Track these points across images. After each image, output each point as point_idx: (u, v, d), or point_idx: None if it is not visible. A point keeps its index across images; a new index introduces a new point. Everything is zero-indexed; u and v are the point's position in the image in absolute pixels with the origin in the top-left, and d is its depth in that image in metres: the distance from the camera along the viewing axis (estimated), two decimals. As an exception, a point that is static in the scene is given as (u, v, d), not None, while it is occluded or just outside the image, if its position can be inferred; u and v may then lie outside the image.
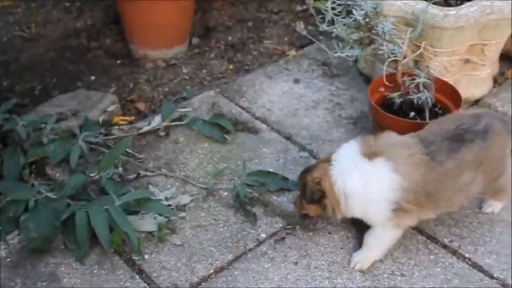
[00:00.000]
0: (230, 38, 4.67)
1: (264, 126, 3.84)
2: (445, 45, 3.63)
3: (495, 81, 4.17)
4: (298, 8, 4.98)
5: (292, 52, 4.52)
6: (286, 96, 4.09)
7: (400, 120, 3.32)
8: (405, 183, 2.80)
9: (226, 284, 2.94)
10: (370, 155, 2.84)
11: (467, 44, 3.72)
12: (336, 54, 3.49)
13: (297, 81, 4.22)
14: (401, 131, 3.02)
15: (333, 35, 3.60)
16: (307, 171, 3.01)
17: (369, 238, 3.00)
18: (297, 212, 3.19)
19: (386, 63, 3.45)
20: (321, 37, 4.61)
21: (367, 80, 4.08)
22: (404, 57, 3.45)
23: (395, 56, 3.43)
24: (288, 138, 3.76)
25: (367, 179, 2.83)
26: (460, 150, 2.85)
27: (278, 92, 4.12)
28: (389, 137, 2.94)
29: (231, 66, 4.38)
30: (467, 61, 3.85)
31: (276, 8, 4.99)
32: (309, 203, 2.99)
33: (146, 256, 3.05)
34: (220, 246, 3.11)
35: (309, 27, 4.74)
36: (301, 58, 4.46)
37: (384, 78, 3.50)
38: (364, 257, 3.01)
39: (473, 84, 3.95)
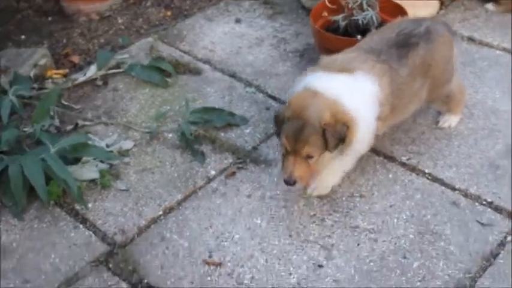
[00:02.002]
0: (167, -15, 4.45)
1: (206, 66, 3.65)
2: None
3: (442, 3, 4.05)
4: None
5: (232, -6, 4.33)
6: (228, 36, 3.91)
7: (348, 39, 3.17)
8: (381, 94, 2.64)
9: (176, 223, 2.76)
10: (345, 70, 2.62)
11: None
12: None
13: (238, 21, 4.03)
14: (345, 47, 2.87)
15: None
16: (299, 124, 2.50)
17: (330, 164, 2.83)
18: (303, 183, 2.64)
19: (327, -16, 3.29)
20: (260, -23, 4.45)
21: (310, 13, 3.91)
22: (344, -23, 3.29)
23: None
24: (233, 75, 3.58)
25: (356, 93, 2.58)
26: (408, 55, 2.73)
27: (220, 34, 3.93)
28: (339, 56, 2.76)
29: (168, 13, 4.17)
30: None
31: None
32: (334, 148, 2.56)
33: (90, 205, 2.86)
34: (168, 187, 2.93)
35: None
36: (242, -1, 4.28)
37: (326, 0, 3.34)
38: (324, 184, 2.84)
39: (420, 6, 3.81)
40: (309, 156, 2.55)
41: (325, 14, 3.41)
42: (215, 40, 3.87)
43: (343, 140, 2.55)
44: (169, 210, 2.83)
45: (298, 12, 4.10)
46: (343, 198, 2.84)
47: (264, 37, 3.88)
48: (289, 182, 2.57)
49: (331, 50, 3.09)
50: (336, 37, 3.19)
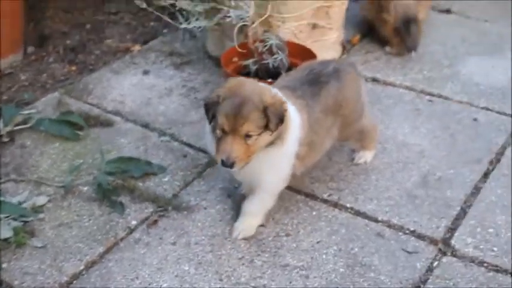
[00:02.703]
0: (69, 42, 4.37)
1: (118, 118, 3.58)
2: (291, 9, 3.59)
3: (344, 47, 4.19)
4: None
5: (137, 47, 4.30)
6: (137, 87, 3.86)
7: (261, 82, 3.19)
8: (302, 131, 2.66)
9: (100, 277, 2.64)
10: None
11: (312, 7, 3.69)
12: (182, 26, 3.33)
13: (146, 72, 4.00)
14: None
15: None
16: (238, 102, 2.43)
17: (250, 205, 2.80)
18: (241, 165, 2.50)
19: (235, 30, 3.32)
20: (164, 30, 4.46)
21: (218, 62, 3.91)
22: (253, 23, 3.35)
23: (244, 21, 3.32)
24: (146, 126, 3.52)
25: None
26: (320, 93, 2.79)
27: (128, 86, 3.88)
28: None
29: (73, 68, 4.08)
30: (314, 26, 3.82)
31: (114, 9, 4.76)
32: (275, 127, 2.48)
33: (4, 265, 2.68)
34: (88, 241, 2.80)
35: (151, 24, 4.57)
36: (147, 52, 4.25)
37: (236, 46, 3.38)
38: (248, 225, 2.82)
39: (324, 50, 3.92)
40: (248, 136, 2.45)
41: (236, 59, 3.43)
42: (124, 92, 3.81)
43: (282, 121, 2.50)
44: (91, 264, 2.70)
45: (205, 61, 4.12)
46: (270, 239, 2.81)
47: (174, 87, 3.86)
48: (227, 164, 2.46)
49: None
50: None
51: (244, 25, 3.35)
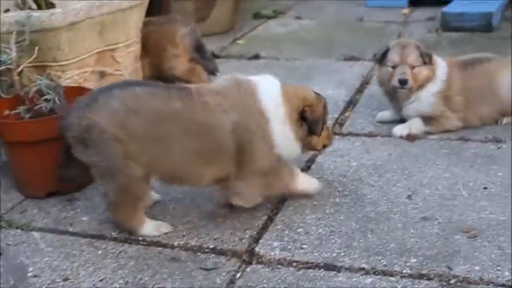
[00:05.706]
0: None
1: None
2: (67, 53, 3.23)
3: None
4: None
5: None
6: None
7: (42, 120, 2.84)
8: None
9: None
10: None
11: (93, 52, 3.36)
12: None
13: None
14: (39, 133, 2.80)
15: None
16: None
17: None
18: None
19: (-2, 76, 2.95)
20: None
21: None
22: (18, 66, 2.99)
23: (7, 65, 2.95)
24: None
25: None
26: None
27: None
28: None
29: None
30: (103, 74, 3.49)
31: None
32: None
33: None
34: None
35: None
36: None
37: (4, 96, 2.98)
38: None
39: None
40: None
41: (7, 112, 3.01)
42: None
43: None
44: None
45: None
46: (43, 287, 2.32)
47: None
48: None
49: (20, 139, 2.78)
50: (20, 122, 2.84)
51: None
